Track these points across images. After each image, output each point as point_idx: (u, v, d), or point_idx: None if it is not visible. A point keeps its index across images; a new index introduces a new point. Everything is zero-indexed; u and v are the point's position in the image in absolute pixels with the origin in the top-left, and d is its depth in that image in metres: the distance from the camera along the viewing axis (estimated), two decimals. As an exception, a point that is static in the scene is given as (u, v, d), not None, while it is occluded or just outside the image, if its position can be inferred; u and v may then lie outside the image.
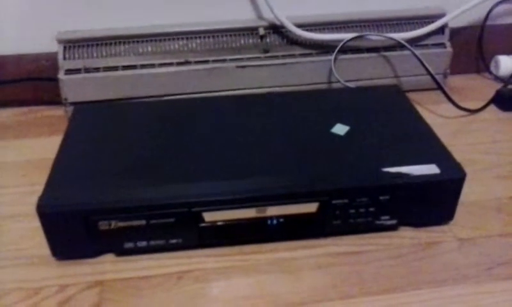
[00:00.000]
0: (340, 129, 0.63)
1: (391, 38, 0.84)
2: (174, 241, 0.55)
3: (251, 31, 0.83)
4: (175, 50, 0.81)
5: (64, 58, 0.79)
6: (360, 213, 0.56)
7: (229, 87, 0.84)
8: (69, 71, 0.79)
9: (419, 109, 0.69)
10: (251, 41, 0.83)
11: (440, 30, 0.88)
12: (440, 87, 0.82)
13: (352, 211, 0.56)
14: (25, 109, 0.85)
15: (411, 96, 0.81)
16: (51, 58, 0.81)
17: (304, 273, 0.54)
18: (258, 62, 0.83)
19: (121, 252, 0.56)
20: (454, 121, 0.82)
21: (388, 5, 0.87)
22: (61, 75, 0.79)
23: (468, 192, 0.64)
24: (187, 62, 0.82)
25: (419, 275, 0.54)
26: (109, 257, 0.56)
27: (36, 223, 0.52)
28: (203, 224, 0.54)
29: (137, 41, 0.81)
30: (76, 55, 0.79)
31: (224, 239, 0.56)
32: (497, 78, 0.94)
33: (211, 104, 0.69)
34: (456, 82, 0.93)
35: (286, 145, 0.60)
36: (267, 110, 0.67)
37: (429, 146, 0.60)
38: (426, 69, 0.82)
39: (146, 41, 0.81)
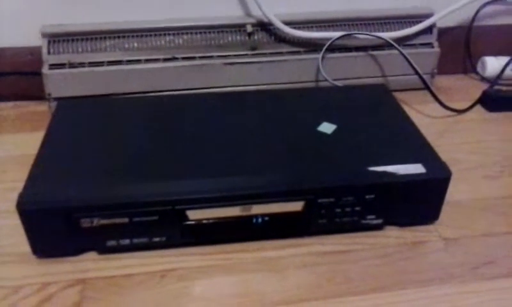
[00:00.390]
0: (326, 128, 0.62)
1: (379, 37, 0.83)
2: (157, 239, 0.54)
3: (239, 27, 0.83)
4: (161, 46, 0.81)
5: (49, 52, 0.78)
6: (346, 212, 0.56)
7: (216, 84, 0.83)
8: (53, 66, 0.78)
9: (406, 108, 0.69)
10: (238, 38, 0.83)
11: (428, 30, 0.88)
12: (427, 87, 0.82)
13: (338, 210, 0.55)
14: (8, 104, 0.83)
15: (398, 95, 0.81)
16: (35, 52, 0.79)
17: (289, 272, 0.54)
18: (245, 59, 0.82)
19: (104, 250, 0.55)
20: (441, 121, 0.82)
21: (376, 4, 0.87)
22: (45, 70, 0.77)
23: (454, 192, 0.64)
24: (173, 59, 0.81)
25: (405, 275, 0.54)
26: (91, 255, 0.55)
27: (16, 220, 0.50)
28: (187, 222, 0.53)
29: (123, 37, 0.80)
30: (61, 50, 0.78)
31: (209, 237, 0.56)
32: (484, 79, 0.95)
33: (197, 101, 0.68)
34: (442, 82, 0.94)
35: (272, 143, 0.60)
36: (254, 108, 0.67)
37: (415, 145, 0.60)
38: (414, 68, 0.82)
39: (133, 36, 0.80)
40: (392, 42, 0.83)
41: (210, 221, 0.54)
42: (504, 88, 0.88)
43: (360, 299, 0.51)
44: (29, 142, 0.72)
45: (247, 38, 0.83)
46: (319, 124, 0.63)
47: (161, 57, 0.81)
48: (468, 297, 0.52)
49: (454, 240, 0.59)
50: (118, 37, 0.80)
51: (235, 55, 0.82)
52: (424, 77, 0.83)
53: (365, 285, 0.53)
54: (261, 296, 0.51)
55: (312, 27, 0.84)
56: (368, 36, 0.84)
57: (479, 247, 0.58)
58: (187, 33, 0.81)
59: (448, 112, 0.83)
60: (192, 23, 0.81)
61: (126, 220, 0.52)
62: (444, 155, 0.58)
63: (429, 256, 0.56)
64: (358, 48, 0.86)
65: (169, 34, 0.81)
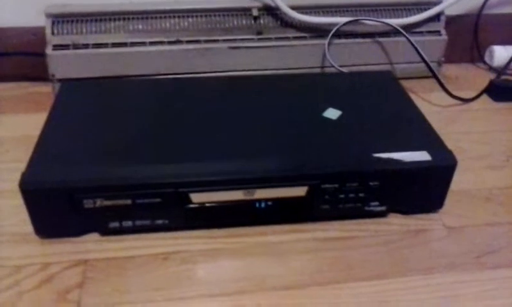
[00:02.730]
0: (332, 113, 0.62)
1: (386, 24, 0.83)
2: (160, 222, 0.54)
3: (245, 11, 0.82)
4: (166, 28, 0.80)
5: (53, 33, 0.77)
6: (350, 198, 0.56)
7: (221, 68, 0.82)
8: (57, 47, 0.77)
9: (412, 96, 0.68)
10: (244, 22, 0.82)
11: (436, 17, 0.87)
12: (433, 75, 0.82)
13: (341, 196, 0.55)
14: (11, 85, 0.83)
15: (405, 83, 0.81)
16: (39, 33, 0.79)
17: (291, 257, 0.54)
18: (251, 43, 0.82)
19: (106, 231, 0.55)
20: (447, 110, 0.81)
21: (384, -10, 0.86)
22: (49, 51, 0.77)
23: (458, 181, 0.64)
24: (178, 42, 0.80)
25: (407, 263, 0.54)
26: (94, 236, 0.55)
27: (19, 200, 0.50)
28: (190, 205, 0.53)
29: (128, 18, 0.79)
30: (65, 31, 0.78)
31: (212, 221, 0.56)
32: (491, 68, 0.94)
33: (202, 85, 0.68)
34: (450, 70, 0.93)
35: (277, 128, 0.59)
36: (259, 93, 0.66)
37: (421, 133, 0.60)
38: (421, 56, 0.81)
39: (138, 18, 0.79)
40: (400, 29, 0.82)
41: (214, 204, 0.54)
42: (512, 78, 0.88)
43: (361, 286, 0.51)
44: (32, 123, 0.72)
45: (253, 22, 0.82)
46: (324, 110, 0.62)
47: (166, 40, 0.80)
48: (470, 286, 0.51)
49: (458, 228, 0.58)
50: (123, 19, 0.79)
51: (240, 40, 0.82)
52: (431, 65, 0.82)
53: (367, 272, 0.52)
54: (262, 280, 0.51)
55: (318, 12, 0.83)
56: (375, 23, 0.83)
57: (482, 237, 0.57)
58: (192, 16, 0.81)
59: (455, 101, 0.82)
60: (198, 6, 0.80)
61: (129, 202, 0.52)
62: (449, 144, 0.58)
63: (432, 244, 0.56)
64: (364, 35, 0.85)
65: (174, 17, 0.80)
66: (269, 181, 0.53)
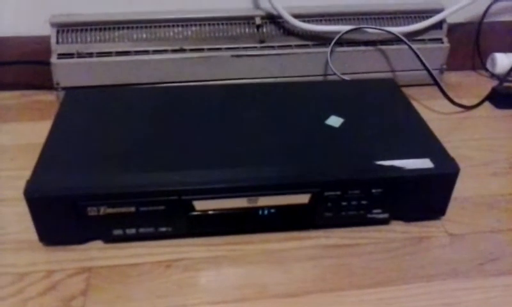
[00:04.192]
0: (334, 121, 0.62)
1: (388, 32, 0.83)
2: (163, 229, 0.54)
3: (248, 20, 0.82)
4: (170, 37, 0.80)
5: (57, 42, 0.78)
6: (352, 205, 0.56)
7: (224, 76, 0.83)
8: (62, 56, 0.78)
9: (414, 103, 0.69)
10: (247, 30, 0.82)
11: (438, 25, 0.87)
12: (436, 82, 0.82)
13: (344, 203, 0.55)
14: (16, 93, 0.84)
15: (407, 90, 0.81)
16: (44, 41, 0.79)
17: (294, 264, 0.54)
18: (254, 52, 0.82)
19: (110, 239, 0.55)
20: (449, 117, 0.82)
21: (386, -2, 0.87)
22: (54, 59, 0.78)
23: (461, 188, 0.64)
24: (182, 50, 0.81)
25: (410, 270, 0.54)
26: (98, 244, 0.55)
27: (23, 208, 0.51)
28: (193, 213, 0.53)
29: (132, 27, 0.80)
30: (69, 40, 0.78)
31: (215, 228, 0.56)
32: (493, 75, 0.94)
33: (205, 93, 0.68)
34: (452, 78, 0.93)
35: (280, 135, 0.59)
36: (262, 101, 0.66)
37: (423, 140, 0.60)
38: (423, 64, 0.81)
39: (141, 27, 0.80)
40: (402, 37, 0.83)
41: (217, 212, 0.54)
42: (514, 85, 0.88)
43: (363, 293, 0.51)
44: (37, 131, 0.72)
45: (255, 30, 0.83)
46: (326, 117, 0.63)
47: (169, 48, 0.81)
48: (472, 293, 0.51)
49: (460, 236, 0.58)
50: (127, 27, 0.80)
51: (243, 48, 0.82)
52: (433, 72, 0.82)
53: (370, 279, 0.52)
54: (265, 288, 0.51)
55: (321, 20, 0.84)
56: (377, 31, 0.83)
57: (485, 244, 0.57)
58: (195, 25, 0.81)
59: (457, 109, 0.83)
60: (201, 15, 0.81)
61: (132, 209, 0.52)
62: (452, 151, 0.58)
63: (435, 251, 0.56)
64: (367, 43, 0.85)
65: (177, 26, 0.81)
66: (272, 189, 0.53)
